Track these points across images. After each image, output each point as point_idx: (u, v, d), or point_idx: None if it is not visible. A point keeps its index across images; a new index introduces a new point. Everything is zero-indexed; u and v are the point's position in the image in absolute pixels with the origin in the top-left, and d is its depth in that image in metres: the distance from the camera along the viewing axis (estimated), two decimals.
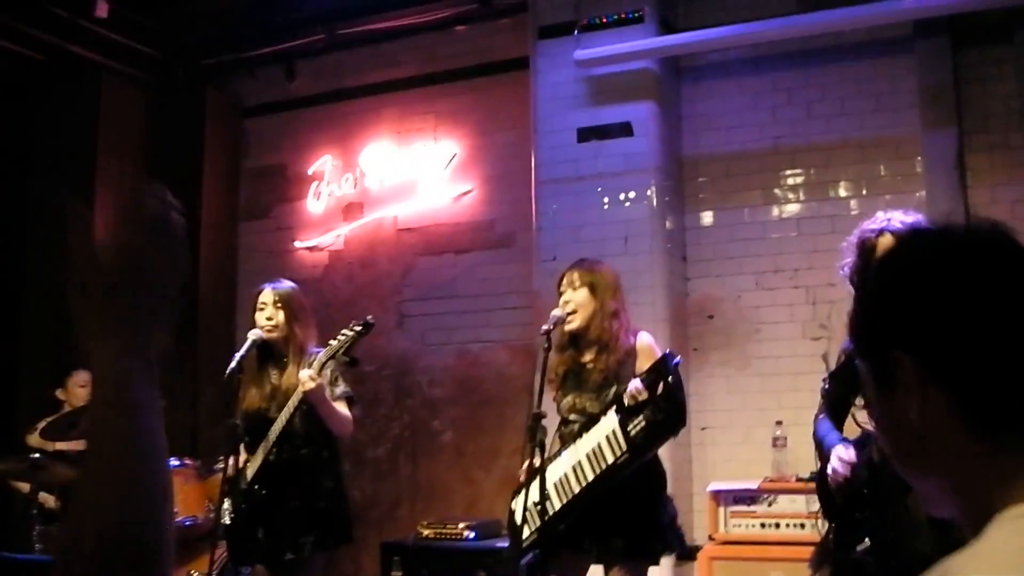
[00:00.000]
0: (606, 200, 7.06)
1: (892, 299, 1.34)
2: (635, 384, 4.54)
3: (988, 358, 1.27)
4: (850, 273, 4.45)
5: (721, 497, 6.49)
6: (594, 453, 4.62)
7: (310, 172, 8.43)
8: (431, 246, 8.03)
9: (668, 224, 7.07)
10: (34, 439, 6.50)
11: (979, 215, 5.92)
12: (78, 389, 6.71)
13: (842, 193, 6.91)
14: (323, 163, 8.39)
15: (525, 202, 7.46)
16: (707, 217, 7.27)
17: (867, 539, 4.24)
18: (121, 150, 8.22)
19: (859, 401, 4.00)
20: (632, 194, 7.00)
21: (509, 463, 5.02)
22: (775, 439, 6.56)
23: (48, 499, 6.29)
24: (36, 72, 8.24)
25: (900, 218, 4.32)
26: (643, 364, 4.74)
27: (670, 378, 4.57)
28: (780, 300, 6.98)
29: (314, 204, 8.37)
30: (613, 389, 4.71)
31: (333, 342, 4.97)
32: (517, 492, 4.83)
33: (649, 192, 6.97)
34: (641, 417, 4.51)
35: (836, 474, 4.17)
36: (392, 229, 8.17)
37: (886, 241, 4.28)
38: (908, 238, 1.46)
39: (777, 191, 7.09)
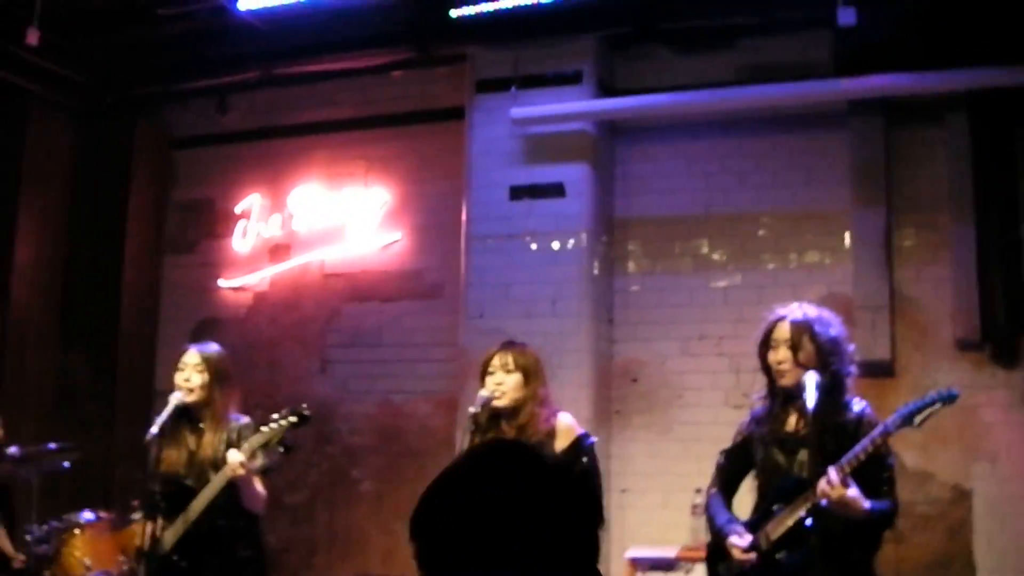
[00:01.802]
0: (536, 259, 7.06)
1: None
2: None
3: None
4: (758, 351, 4.60)
5: (639, 564, 6.53)
6: None
7: (238, 210, 8.33)
8: (358, 293, 7.98)
9: (597, 286, 7.09)
10: None
11: (903, 292, 6.02)
12: None
13: (770, 265, 6.99)
14: (251, 201, 8.29)
15: (454, 254, 7.45)
16: (636, 281, 7.30)
17: None
18: (46, 179, 8.06)
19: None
20: (562, 255, 7.01)
21: None
22: (694, 506, 6.59)
23: None
24: None
25: (806, 310, 4.52)
26: (562, 444, 4.78)
27: (586, 459, 4.68)
28: (704, 367, 7.04)
29: (240, 243, 8.26)
30: None
31: (265, 428, 4.87)
32: None
33: (579, 253, 7.00)
34: None
35: (746, 561, 4.40)
36: (319, 273, 8.10)
37: (783, 326, 4.45)
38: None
39: (706, 258, 7.16)
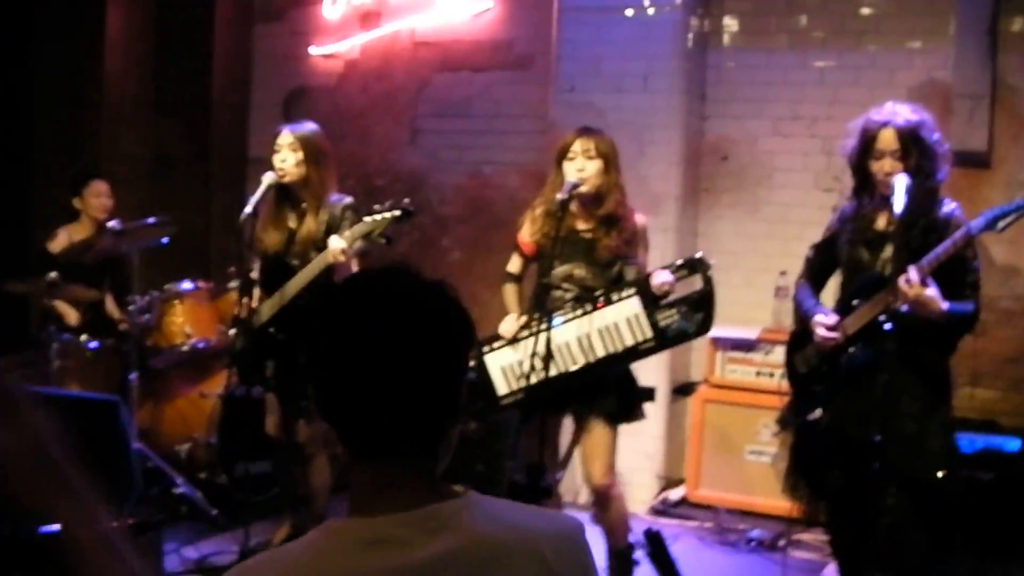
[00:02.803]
0: (629, 33, 6.90)
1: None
2: (666, 277, 4.65)
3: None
4: (849, 155, 4.50)
5: (719, 343, 6.63)
6: (608, 331, 4.71)
7: None
8: (448, 62, 7.90)
9: (689, 62, 6.94)
10: (55, 245, 6.59)
11: (1007, 82, 5.86)
12: (94, 199, 6.73)
13: (869, 46, 6.74)
14: None
15: (545, 25, 7.30)
16: (729, 57, 7.12)
17: (818, 411, 4.52)
18: None
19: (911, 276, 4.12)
20: (655, 29, 6.84)
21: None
22: (778, 288, 6.64)
23: (70, 314, 6.41)
24: None
25: (906, 114, 4.36)
26: (641, 246, 4.86)
27: (709, 284, 4.75)
28: (795, 147, 6.93)
29: (330, 9, 8.15)
30: (617, 268, 4.77)
31: (368, 219, 4.86)
32: (486, 345, 4.93)
33: (673, 27, 6.81)
34: (674, 311, 4.66)
35: (827, 341, 4.47)
36: (409, 41, 8.02)
37: (887, 134, 4.31)
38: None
39: (803, 35, 6.93)
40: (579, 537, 1.69)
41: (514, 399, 4.82)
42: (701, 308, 4.72)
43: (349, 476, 1.62)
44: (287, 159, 5.19)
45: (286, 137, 5.23)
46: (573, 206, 4.79)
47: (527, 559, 1.57)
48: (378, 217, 4.84)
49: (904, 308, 4.14)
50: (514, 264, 5.09)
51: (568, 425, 5.03)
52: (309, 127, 5.32)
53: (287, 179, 5.20)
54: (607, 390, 4.79)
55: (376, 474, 1.58)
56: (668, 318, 4.67)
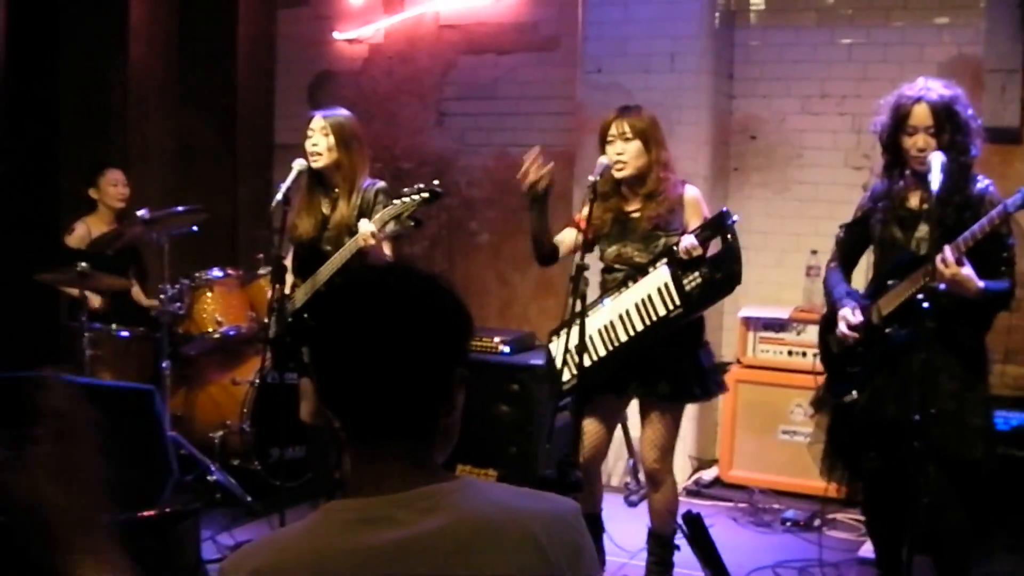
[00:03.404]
0: (654, 12, 6.86)
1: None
2: (690, 240, 4.59)
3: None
4: (880, 132, 4.45)
5: (751, 323, 6.62)
6: (643, 304, 4.68)
7: None
8: (473, 45, 7.89)
9: (716, 40, 6.89)
10: (73, 239, 6.60)
11: None
12: (110, 188, 6.73)
13: (897, 22, 6.68)
14: None
15: (570, 6, 7.27)
16: (756, 35, 7.08)
17: (855, 392, 4.48)
18: None
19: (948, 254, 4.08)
20: (681, 7, 6.79)
21: (544, 269, 5.09)
22: (808, 268, 6.62)
23: (95, 299, 6.42)
24: None
25: (939, 90, 4.30)
26: (690, 217, 4.77)
27: (730, 237, 4.65)
28: (825, 126, 6.89)
29: None
30: (662, 240, 4.72)
31: (398, 201, 4.86)
32: (555, 334, 4.93)
33: (699, 6, 6.76)
34: (697, 274, 4.59)
35: (847, 338, 4.47)
36: (433, 25, 8.00)
37: (921, 110, 4.27)
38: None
39: (831, 12, 6.87)
40: (572, 518, 1.72)
41: (572, 384, 4.79)
42: (722, 266, 4.63)
43: (348, 459, 1.71)
44: (319, 144, 5.19)
45: (318, 122, 5.23)
46: (623, 189, 4.78)
47: (518, 538, 1.60)
48: (407, 199, 4.83)
49: (941, 287, 4.11)
50: (564, 234, 5.01)
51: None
52: (341, 112, 5.31)
53: (319, 164, 5.20)
54: (661, 372, 4.75)
55: (372, 457, 1.66)
56: (692, 282, 4.61)
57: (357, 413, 1.66)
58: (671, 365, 4.76)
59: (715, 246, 4.70)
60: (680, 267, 4.62)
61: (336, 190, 5.23)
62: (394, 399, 1.64)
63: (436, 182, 4.91)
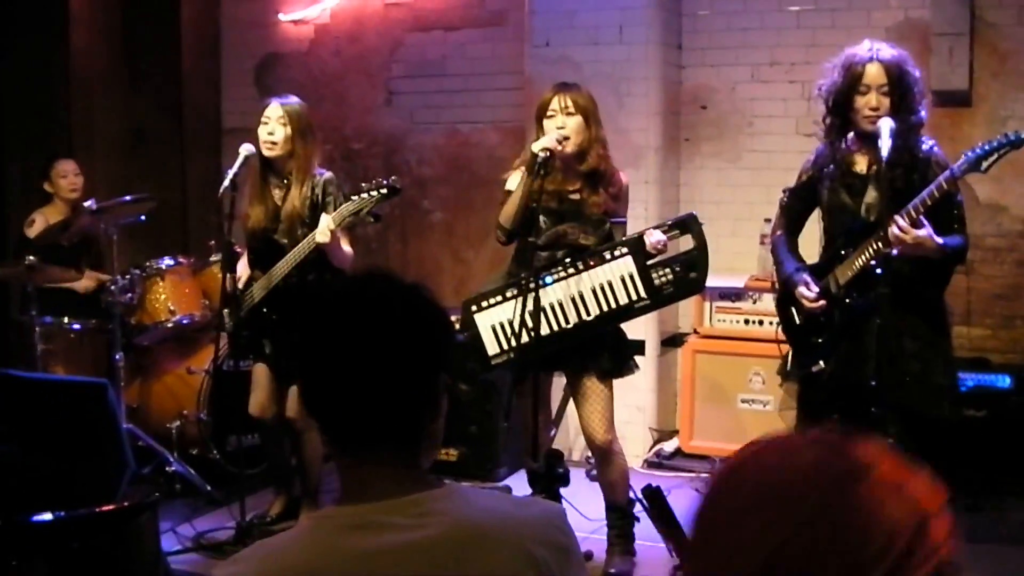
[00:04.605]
0: None
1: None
2: (659, 236, 4.65)
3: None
4: (827, 94, 4.47)
5: (707, 293, 6.60)
6: (602, 289, 4.68)
7: None
8: (420, 22, 7.81)
9: (664, 11, 6.86)
10: (32, 231, 6.50)
11: (984, 18, 5.81)
12: (61, 180, 6.61)
13: None
14: None
15: None
16: (704, 4, 7.04)
17: (821, 362, 4.52)
18: None
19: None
20: None
21: (498, 245, 5.05)
22: (763, 236, 6.61)
23: (88, 281, 6.35)
24: None
25: (889, 50, 4.33)
26: (622, 207, 4.85)
27: (702, 242, 4.76)
28: (775, 93, 6.88)
29: None
30: (607, 226, 4.74)
31: (356, 198, 4.88)
32: (474, 303, 4.86)
33: None
34: (668, 270, 4.67)
35: (815, 310, 4.52)
36: (380, 3, 7.90)
37: (874, 69, 4.29)
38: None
39: None
40: (558, 521, 1.76)
41: (505, 359, 4.79)
42: (694, 266, 4.72)
43: (337, 469, 1.75)
44: (275, 133, 5.18)
45: (275, 110, 5.21)
46: (557, 164, 4.73)
47: (507, 544, 1.64)
48: (365, 196, 4.88)
49: (894, 252, 4.14)
50: None
51: (559, 384, 5.03)
52: (295, 100, 5.32)
53: (273, 153, 5.20)
54: (600, 348, 4.79)
55: (360, 465, 1.70)
56: (662, 277, 4.67)
57: (344, 421, 1.69)
58: (605, 341, 4.80)
59: (675, 245, 4.83)
60: (646, 261, 4.68)
61: (287, 179, 5.20)
62: (380, 407, 1.67)
63: (394, 178, 4.96)
